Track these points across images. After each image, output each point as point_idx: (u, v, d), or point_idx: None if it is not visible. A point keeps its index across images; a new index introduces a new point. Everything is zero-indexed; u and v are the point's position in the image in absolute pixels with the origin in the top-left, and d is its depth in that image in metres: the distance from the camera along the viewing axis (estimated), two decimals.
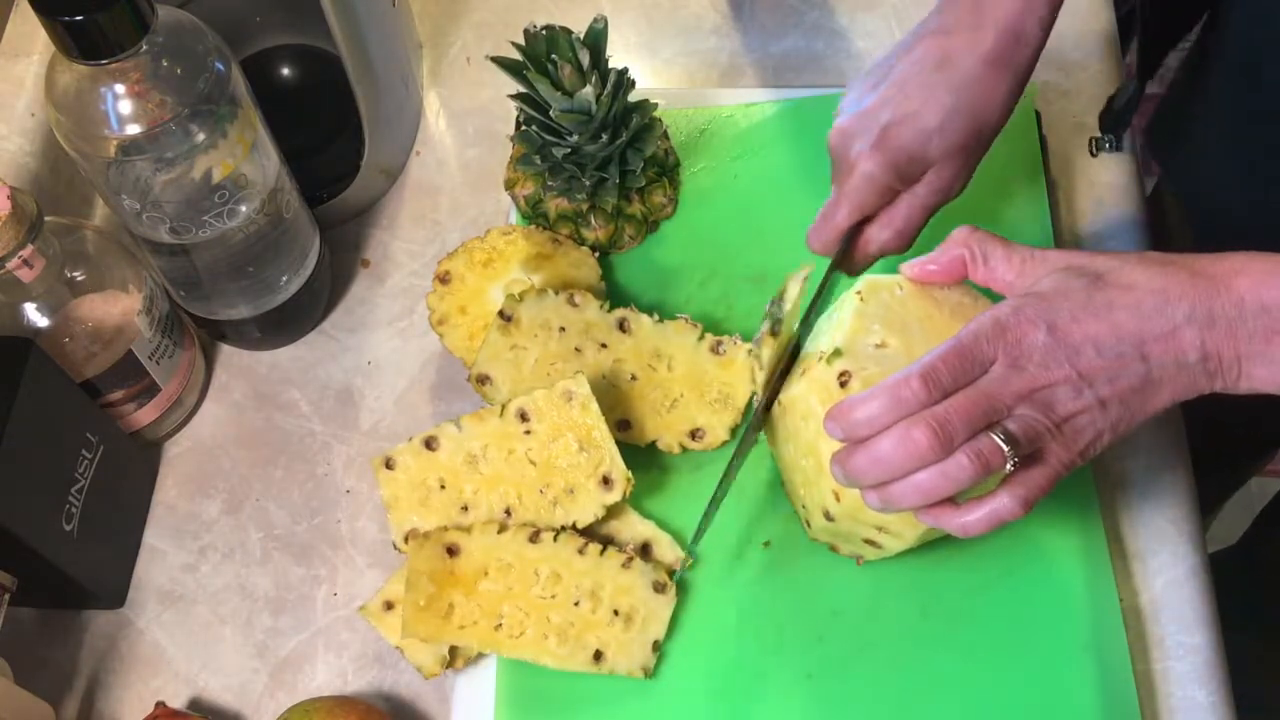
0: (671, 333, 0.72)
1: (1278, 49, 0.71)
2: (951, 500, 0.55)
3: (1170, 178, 0.86)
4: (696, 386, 0.72)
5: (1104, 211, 0.80)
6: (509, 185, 0.80)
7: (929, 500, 0.55)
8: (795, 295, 0.64)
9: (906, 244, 0.70)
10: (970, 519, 0.55)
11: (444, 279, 0.75)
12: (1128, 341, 0.54)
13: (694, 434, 0.72)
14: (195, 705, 0.71)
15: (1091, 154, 0.83)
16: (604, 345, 0.72)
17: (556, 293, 0.72)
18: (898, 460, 0.54)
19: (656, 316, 0.73)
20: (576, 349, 0.72)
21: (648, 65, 0.90)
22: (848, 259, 0.70)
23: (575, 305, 0.72)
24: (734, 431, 0.73)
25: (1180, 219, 0.91)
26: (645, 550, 0.69)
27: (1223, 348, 0.54)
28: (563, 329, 0.72)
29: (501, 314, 0.71)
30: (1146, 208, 0.82)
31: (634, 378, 0.72)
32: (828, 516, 0.64)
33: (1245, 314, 0.54)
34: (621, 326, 0.72)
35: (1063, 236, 0.79)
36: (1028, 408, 0.54)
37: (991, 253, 0.59)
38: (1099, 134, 0.84)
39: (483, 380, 0.72)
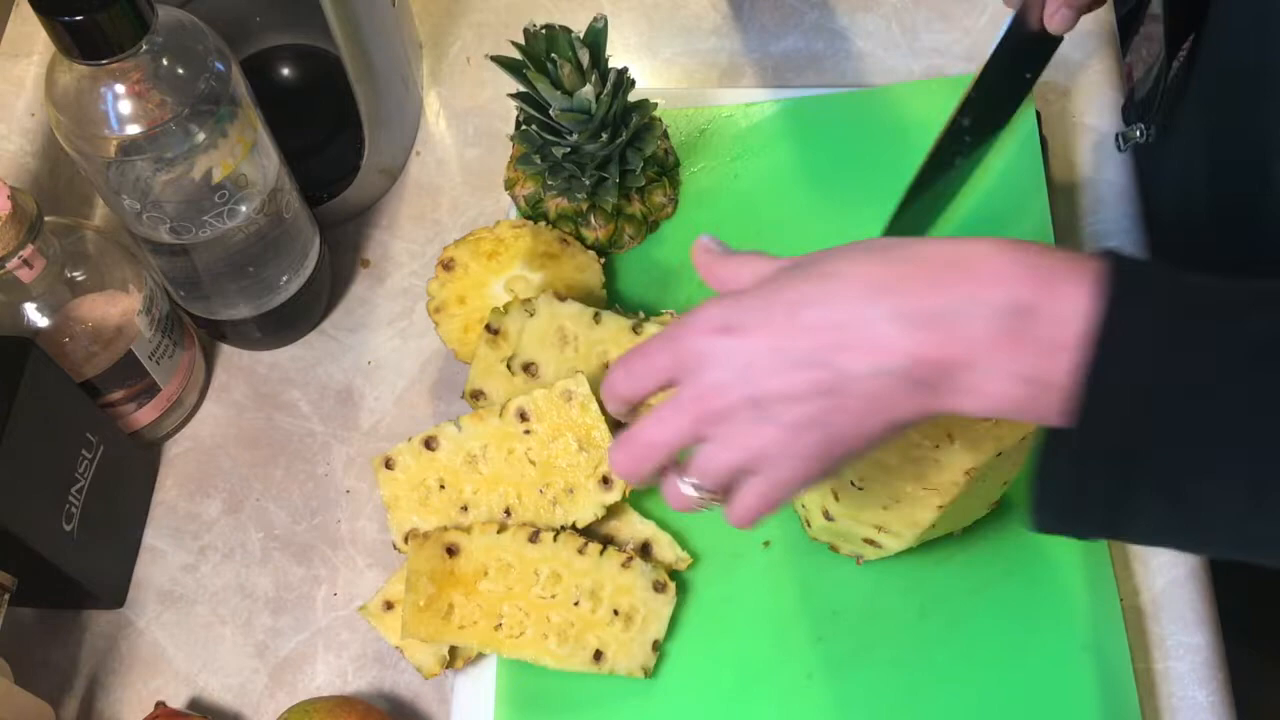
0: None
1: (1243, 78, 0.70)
2: None
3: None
4: None
5: (1104, 211, 0.80)
6: (509, 185, 0.80)
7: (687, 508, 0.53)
8: None
9: None
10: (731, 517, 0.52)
11: (447, 265, 0.75)
12: (807, 347, 0.46)
13: None
14: (195, 705, 0.71)
15: (1119, 149, 0.80)
16: (605, 364, 0.72)
17: (532, 311, 0.71)
18: (626, 470, 0.52)
19: (642, 315, 0.73)
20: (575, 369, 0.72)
21: (648, 65, 0.90)
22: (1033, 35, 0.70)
23: (567, 322, 0.71)
24: None
25: None
26: (645, 550, 0.69)
27: (942, 352, 0.44)
28: (564, 340, 0.71)
29: (488, 328, 0.71)
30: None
31: None
32: (828, 516, 0.64)
33: (983, 309, 0.44)
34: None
35: (1063, 236, 0.79)
36: (712, 441, 0.49)
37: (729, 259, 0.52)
38: (1124, 128, 0.81)
39: (476, 396, 0.72)
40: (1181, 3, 0.73)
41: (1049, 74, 0.85)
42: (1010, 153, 0.80)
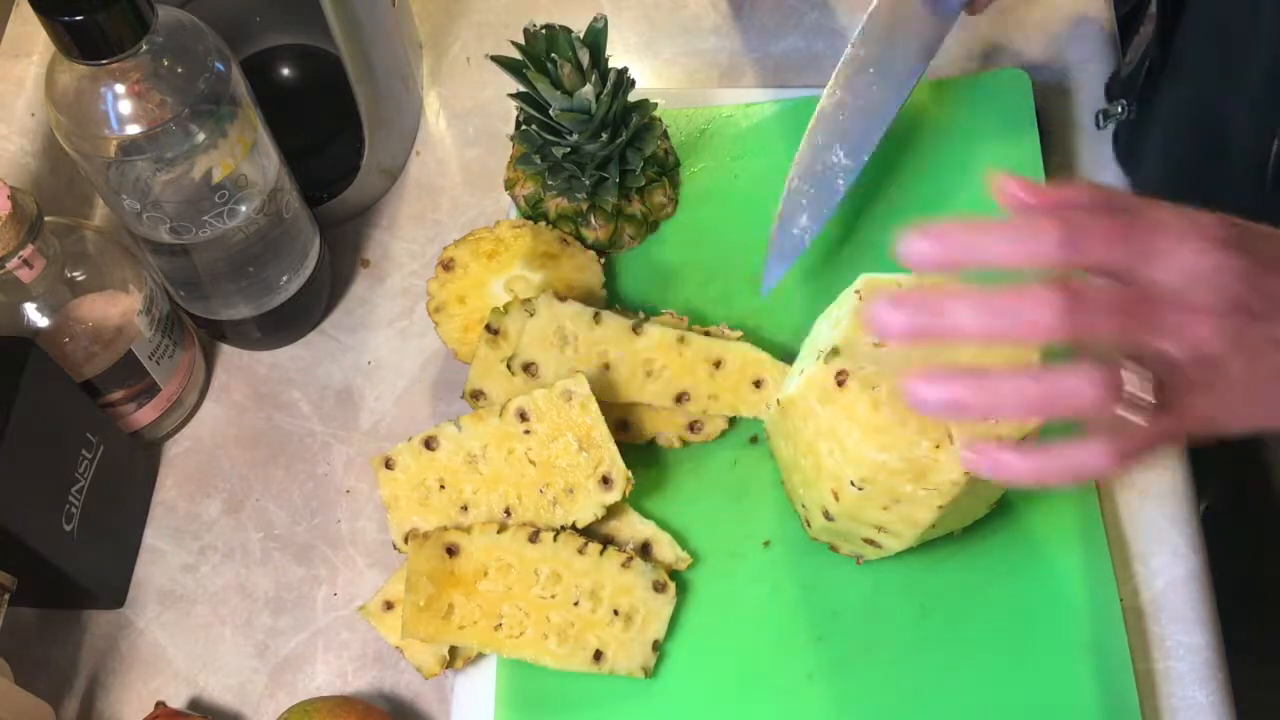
0: (658, 340, 0.72)
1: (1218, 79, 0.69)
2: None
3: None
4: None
5: None
6: (509, 185, 0.80)
7: (1018, 411, 0.43)
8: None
9: None
10: (1039, 465, 0.44)
11: (447, 265, 0.75)
12: None
13: (692, 426, 0.72)
14: (195, 705, 0.71)
15: (1098, 126, 0.80)
16: (605, 364, 0.72)
17: (532, 311, 0.71)
18: (1051, 319, 0.41)
19: (642, 315, 0.73)
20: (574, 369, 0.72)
21: (648, 65, 0.90)
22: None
23: (566, 324, 0.71)
24: (732, 421, 0.73)
25: None
26: (645, 550, 0.69)
27: None
28: (564, 340, 0.71)
29: (488, 328, 0.71)
30: None
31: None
32: (828, 516, 0.64)
33: None
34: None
35: None
36: (1183, 342, 0.42)
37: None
38: (1105, 106, 0.80)
39: (476, 396, 0.72)
40: None
41: (1049, 74, 0.85)
42: (1010, 152, 0.80)
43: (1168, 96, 0.75)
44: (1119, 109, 0.78)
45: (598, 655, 0.66)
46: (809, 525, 0.68)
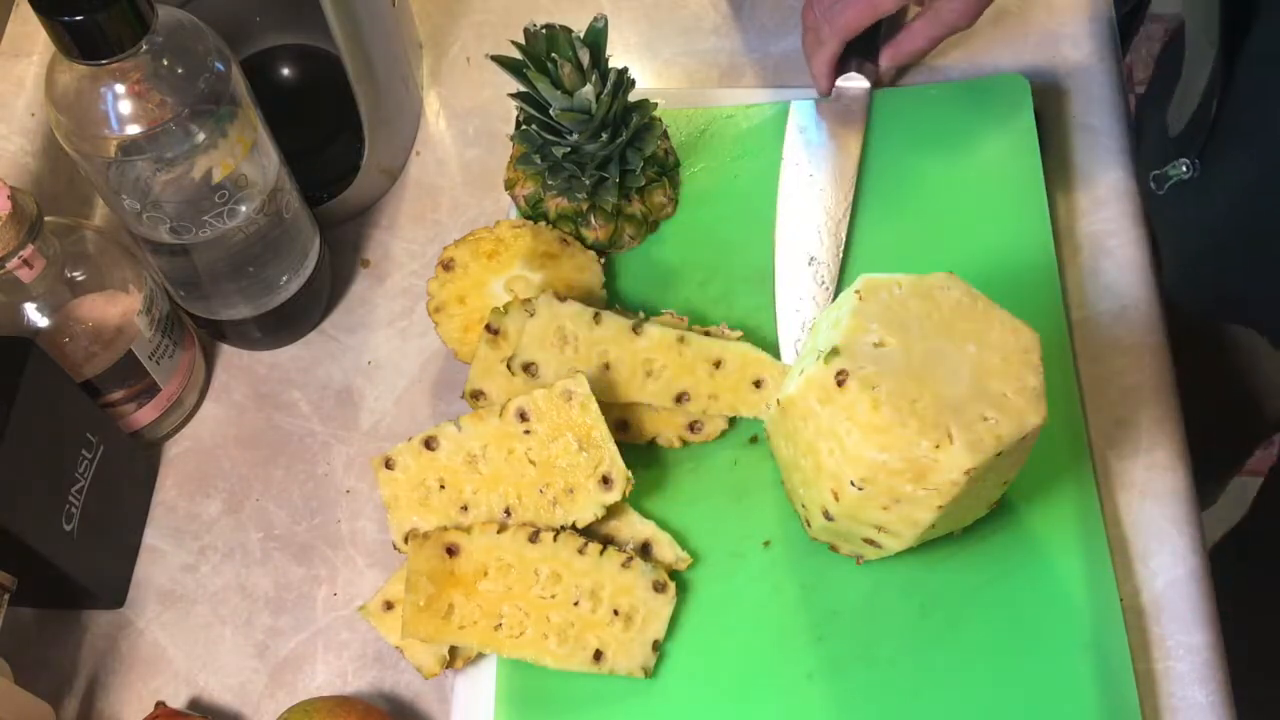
0: (658, 340, 0.72)
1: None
2: None
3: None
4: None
5: (1104, 211, 0.80)
6: (509, 185, 0.80)
7: None
8: None
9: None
10: None
11: (447, 265, 0.75)
12: None
13: (692, 426, 0.72)
14: (195, 705, 0.71)
15: (1157, 190, 0.76)
16: (605, 364, 0.72)
17: (532, 312, 0.71)
18: None
19: (642, 315, 0.73)
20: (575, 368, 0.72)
21: (648, 65, 0.90)
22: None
23: (567, 325, 0.71)
24: (732, 422, 0.73)
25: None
26: (645, 550, 0.69)
27: None
28: (564, 340, 0.71)
29: (488, 328, 0.71)
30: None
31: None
32: (828, 516, 0.64)
33: None
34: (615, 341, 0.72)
35: (1062, 237, 0.79)
36: None
37: None
38: (1157, 169, 0.75)
39: (476, 396, 0.72)
40: (1231, 30, 0.67)
41: (1048, 76, 0.86)
42: (1008, 153, 0.80)
43: (1233, 152, 0.69)
44: (1184, 168, 0.72)
45: (598, 655, 0.66)
46: (809, 525, 0.68)
